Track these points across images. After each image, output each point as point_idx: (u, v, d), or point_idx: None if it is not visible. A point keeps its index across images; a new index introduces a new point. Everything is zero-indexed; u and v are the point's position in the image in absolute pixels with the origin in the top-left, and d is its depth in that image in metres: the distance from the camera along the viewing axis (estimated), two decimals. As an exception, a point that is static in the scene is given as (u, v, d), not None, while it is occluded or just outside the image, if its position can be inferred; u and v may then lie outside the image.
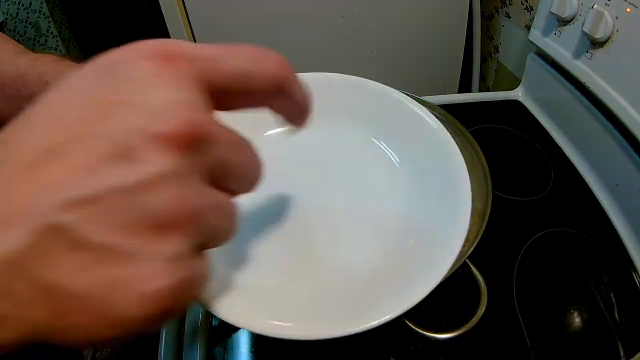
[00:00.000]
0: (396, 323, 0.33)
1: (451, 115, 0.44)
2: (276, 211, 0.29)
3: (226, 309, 0.22)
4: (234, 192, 0.18)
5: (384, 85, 0.33)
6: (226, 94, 0.17)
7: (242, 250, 0.27)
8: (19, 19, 1.54)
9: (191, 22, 0.79)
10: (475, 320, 0.32)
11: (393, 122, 0.33)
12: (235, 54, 0.17)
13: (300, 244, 0.29)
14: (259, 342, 0.40)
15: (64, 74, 0.29)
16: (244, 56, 0.17)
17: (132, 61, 0.15)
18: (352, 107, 0.33)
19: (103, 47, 0.17)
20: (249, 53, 0.17)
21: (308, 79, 0.24)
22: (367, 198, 0.31)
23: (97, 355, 0.49)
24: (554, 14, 0.56)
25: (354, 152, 0.33)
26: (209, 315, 0.41)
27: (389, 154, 0.33)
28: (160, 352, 0.39)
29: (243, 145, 0.18)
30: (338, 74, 0.34)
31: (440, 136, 0.30)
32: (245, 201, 0.22)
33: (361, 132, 0.33)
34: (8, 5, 1.47)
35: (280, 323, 0.23)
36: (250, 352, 0.39)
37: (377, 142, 0.33)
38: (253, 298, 0.24)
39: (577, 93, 0.58)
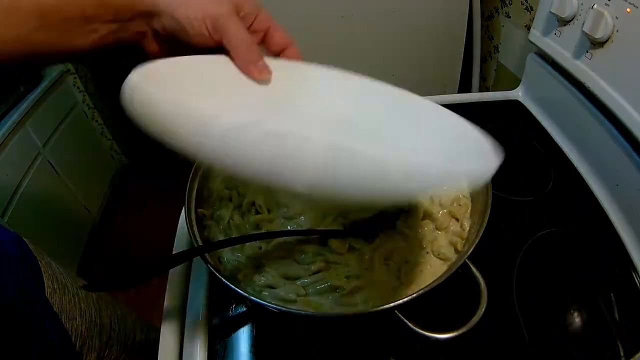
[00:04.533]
0: (396, 323, 0.33)
1: (451, 115, 0.44)
2: None
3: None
4: None
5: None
6: None
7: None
8: (19, 19, 1.54)
9: (191, 22, 0.79)
10: (475, 320, 0.32)
11: None
12: None
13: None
14: (259, 342, 0.40)
15: None
16: None
17: None
18: None
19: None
20: None
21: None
22: None
23: (103, 355, 0.50)
24: (554, 14, 0.56)
25: None
26: (209, 315, 0.41)
27: None
28: (161, 352, 0.39)
29: None
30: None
31: None
32: None
33: None
34: (8, 5, 1.47)
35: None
36: (250, 352, 0.39)
37: None
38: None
39: (577, 93, 0.58)
